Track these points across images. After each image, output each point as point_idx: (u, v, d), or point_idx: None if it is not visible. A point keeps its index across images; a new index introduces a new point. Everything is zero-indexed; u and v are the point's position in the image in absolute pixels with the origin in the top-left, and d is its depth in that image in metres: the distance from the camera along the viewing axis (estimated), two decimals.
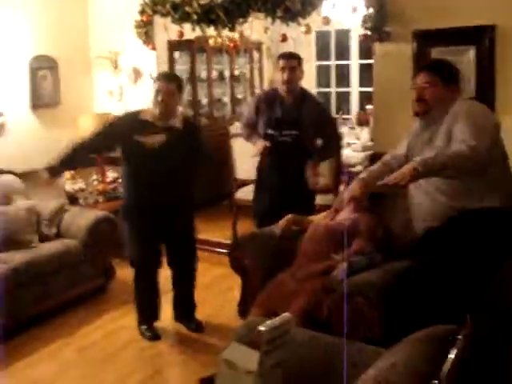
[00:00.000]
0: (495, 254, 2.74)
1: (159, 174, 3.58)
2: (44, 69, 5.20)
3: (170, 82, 3.63)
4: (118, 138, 3.68)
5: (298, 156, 4.08)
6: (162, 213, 3.67)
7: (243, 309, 3.53)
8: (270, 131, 4.10)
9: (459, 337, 1.77)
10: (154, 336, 3.85)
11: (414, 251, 3.05)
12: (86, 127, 5.32)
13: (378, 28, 4.01)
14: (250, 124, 4.26)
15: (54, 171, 3.66)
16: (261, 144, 4.06)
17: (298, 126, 4.08)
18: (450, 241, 2.80)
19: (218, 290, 4.58)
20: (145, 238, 3.76)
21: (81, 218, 4.53)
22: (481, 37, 3.72)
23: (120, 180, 5.00)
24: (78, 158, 3.76)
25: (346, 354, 2.18)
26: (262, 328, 1.95)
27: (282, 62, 4.04)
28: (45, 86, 5.23)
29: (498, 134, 2.88)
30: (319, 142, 4.20)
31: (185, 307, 4.03)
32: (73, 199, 5.14)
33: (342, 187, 5.00)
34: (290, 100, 4.09)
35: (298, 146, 4.07)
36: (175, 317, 4.04)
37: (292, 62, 4.04)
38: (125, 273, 4.69)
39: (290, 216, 3.62)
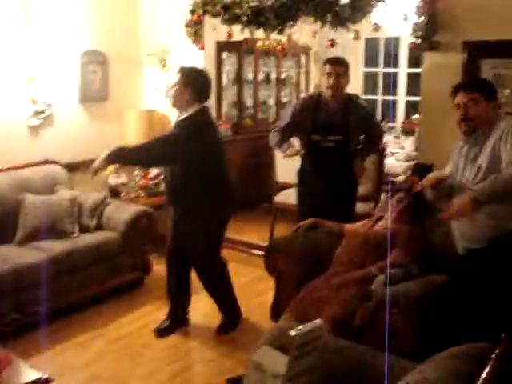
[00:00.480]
0: None
1: None
2: (94, 63, 5.29)
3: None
4: None
5: (341, 161, 4.06)
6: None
7: (276, 312, 3.53)
8: (315, 136, 4.07)
9: (493, 356, 1.73)
10: (163, 329, 3.91)
11: (453, 267, 3.00)
12: (131, 122, 5.41)
13: (428, 37, 3.95)
14: (287, 128, 4.18)
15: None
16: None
17: (344, 131, 4.06)
18: (493, 263, 2.73)
19: (252, 291, 4.58)
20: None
21: (121, 212, 4.59)
22: None
23: (162, 176, 5.06)
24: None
25: (383, 366, 2.16)
26: (293, 332, 1.95)
27: (328, 67, 4.02)
28: (94, 80, 5.33)
29: None
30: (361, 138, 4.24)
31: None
32: (115, 193, 5.22)
33: (383, 196, 4.94)
34: (335, 105, 4.07)
35: (341, 151, 4.06)
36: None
37: (338, 67, 4.02)
38: (162, 268, 4.74)
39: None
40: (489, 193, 2.67)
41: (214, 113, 5.28)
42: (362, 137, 4.26)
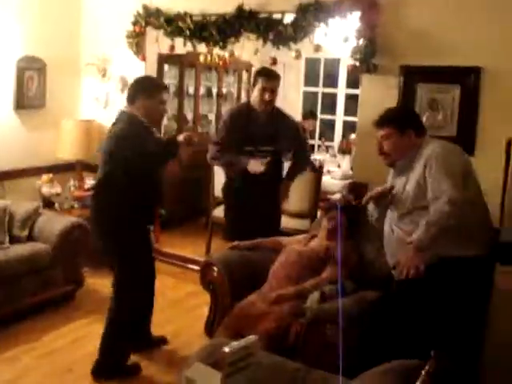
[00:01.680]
0: (466, 301, 2.76)
1: None
2: (31, 70, 5.16)
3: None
4: None
5: (272, 174, 4.08)
6: None
7: (211, 328, 3.51)
8: (247, 147, 4.06)
9: (422, 372, 1.77)
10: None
11: (386, 284, 3.06)
12: (68, 132, 5.30)
13: (367, 60, 4.05)
14: (223, 142, 4.13)
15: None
16: (259, 163, 3.97)
17: (275, 142, 4.10)
18: (423, 282, 2.80)
19: (186, 306, 4.53)
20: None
21: (54, 223, 4.46)
22: (466, 77, 3.78)
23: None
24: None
25: (317, 382, 2.17)
26: (226, 349, 1.93)
27: (263, 81, 4.00)
28: (30, 87, 5.19)
29: (472, 173, 2.92)
30: (289, 155, 4.27)
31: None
32: (48, 203, 5.08)
33: (319, 213, 5.01)
34: (265, 116, 4.09)
35: (273, 162, 4.09)
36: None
37: (275, 83, 4.06)
38: (94, 282, 4.65)
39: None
40: (427, 241, 2.74)
41: None
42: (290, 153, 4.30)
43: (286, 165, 4.36)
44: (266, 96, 3.99)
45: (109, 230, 3.43)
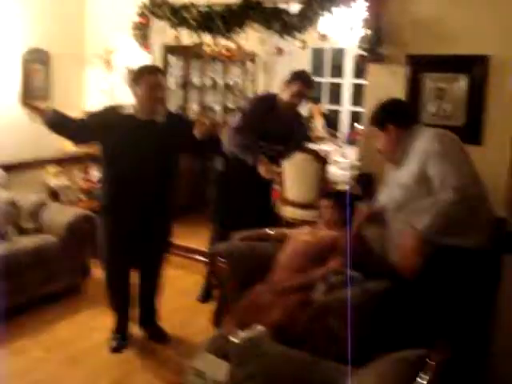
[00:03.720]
0: (471, 291, 2.74)
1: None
2: (37, 62, 5.16)
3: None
4: None
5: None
6: (139, 211, 3.57)
7: (218, 319, 3.51)
8: (261, 142, 4.03)
9: (431, 361, 1.77)
10: (117, 347, 3.75)
11: (391, 274, 3.05)
12: None
13: (373, 49, 4.03)
14: (245, 124, 4.00)
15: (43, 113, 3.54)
16: (276, 170, 3.99)
17: (284, 143, 4.08)
18: (427, 271, 2.78)
19: (193, 297, 4.54)
20: (120, 236, 3.62)
21: (60, 215, 4.48)
22: (473, 66, 3.75)
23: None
24: (65, 124, 3.56)
25: (324, 372, 2.17)
26: (234, 339, 1.94)
27: (301, 86, 3.95)
28: (36, 79, 5.19)
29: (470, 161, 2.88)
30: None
31: (148, 312, 3.94)
32: (55, 195, 5.09)
33: None
34: (286, 116, 4.07)
35: (277, 162, 4.08)
36: (139, 322, 3.95)
37: (312, 91, 4.09)
38: (101, 273, 4.65)
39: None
40: (429, 228, 2.69)
41: None
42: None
43: None
44: (297, 100, 3.99)
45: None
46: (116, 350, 3.74)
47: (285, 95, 4.02)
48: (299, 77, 4.01)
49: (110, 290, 3.80)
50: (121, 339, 3.79)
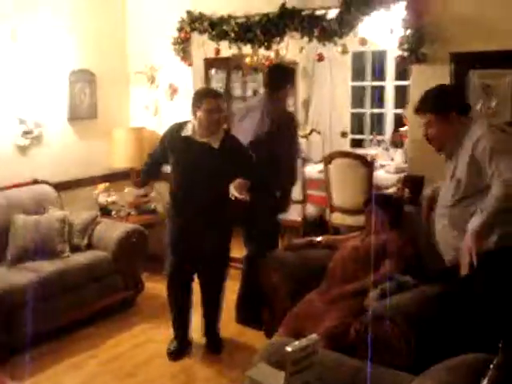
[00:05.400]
0: None
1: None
2: (82, 82, 5.29)
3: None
4: None
5: None
6: (194, 225, 3.68)
7: (271, 328, 3.50)
8: None
9: (490, 366, 1.72)
10: (176, 352, 3.81)
11: (444, 277, 2.99)
12: (120, 140, 5.40)
13: (415, 50, 3.97)
14: None
15: (140, 183, 4.20)
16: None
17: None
18: (480, 273, 2.72)
19: None
20: (180, 243, 3.75)
21: (112, 230, 4.56)
22: None
23: (153, 194, 5.04)
24: (152, 171, 4.04)
25: (379, 379, 2.14)
26: (288, 348, 1.93)
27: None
28: (82, 99, 5.32)
29: None
30: None
31: (207, 323, 3.98)
32: (105, 211, 5.19)
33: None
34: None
35: None
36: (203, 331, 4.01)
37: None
38: (154, 287, 4.72)
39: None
40: (486, 225, 2.63)
41: None
42: None
43: None
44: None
45: None
46: (172, 354, 3.80)
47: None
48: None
49: (170, 295, 3.87)
50: (178, 344, 3.84)
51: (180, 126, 3.71)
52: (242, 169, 3.59)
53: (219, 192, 3.57)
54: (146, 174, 4.08)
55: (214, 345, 3.93)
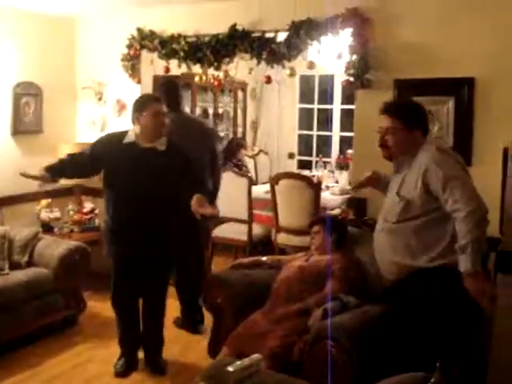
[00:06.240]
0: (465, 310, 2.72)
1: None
2: (28, 95, 5.19)
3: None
4: None
5: None
6: (140, 237, 3.60)
7: (214, 348, 3.48)
8: None
9: None
10: (121, 371, 3.75)
11: (386, 297, 3.05)
12: None
13: (361, 75, 4.08)
14: None
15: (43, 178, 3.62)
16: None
17: None
18: (415, 293, 2.78)
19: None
20: (124, 261, 3.65)
21: (54, 247, 4.44)
22: (460, 88, 3.81)
23: (96, 211, 4.96)
24: (65, 169, 3.70)
25: None
26: (230, 368, 1.93)
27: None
28: (27, 112, 5.22)
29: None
30: None
31: (151, 347, 3.89)
32: (47, 228, 5.08)
33: None
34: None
35: None
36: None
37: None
38: (96, 305, 4.63)
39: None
40: (480, 254, 2.62)
41: None
42: None
43: None
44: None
45: None
46: (120, 374, 3.73)
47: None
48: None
49: (117, 315, 3.79)
50: (125, 364, 3.77)
51: (120, 135, 3.62)
52: (186, 175, 3.55)
53: (167, 199, 3.54)
54: (62, 170, 3.69)
55: (158, 366, 3.85)
